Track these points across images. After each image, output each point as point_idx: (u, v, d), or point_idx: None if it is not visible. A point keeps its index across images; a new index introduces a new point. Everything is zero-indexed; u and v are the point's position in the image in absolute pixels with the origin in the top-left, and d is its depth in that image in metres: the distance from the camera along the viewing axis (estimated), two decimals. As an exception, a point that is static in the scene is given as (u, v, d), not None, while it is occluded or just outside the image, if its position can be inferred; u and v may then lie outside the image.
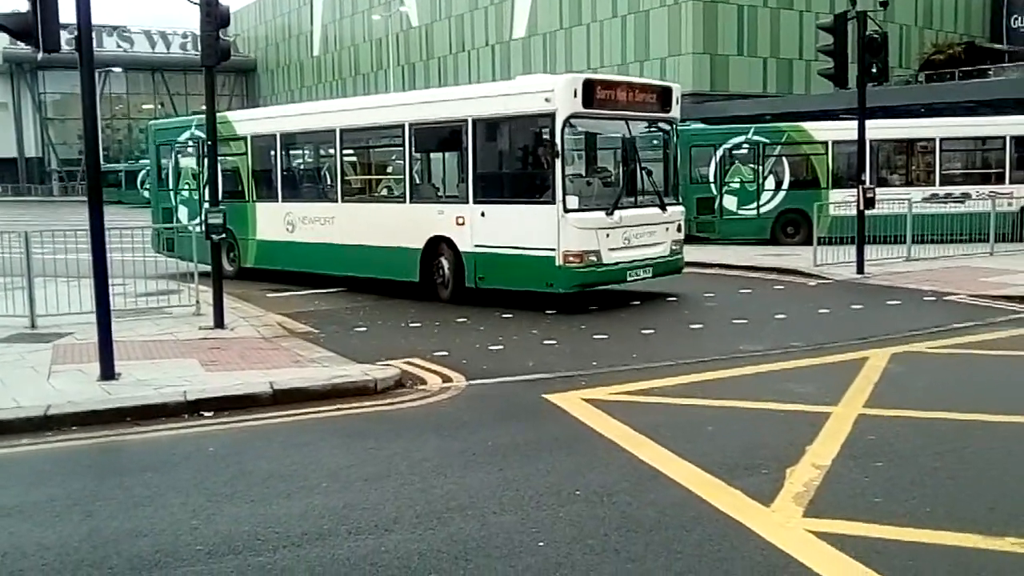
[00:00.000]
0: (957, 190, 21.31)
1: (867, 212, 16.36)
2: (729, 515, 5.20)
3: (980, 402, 7.64)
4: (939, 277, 15.46)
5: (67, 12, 8.26)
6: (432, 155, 15.77)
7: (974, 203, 20.72)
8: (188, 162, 19.42)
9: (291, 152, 17.87)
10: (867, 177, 17.43)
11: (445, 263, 14.08)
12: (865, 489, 5.60)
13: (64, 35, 8.32)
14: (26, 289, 11.85)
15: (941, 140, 21.78)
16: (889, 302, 13.52)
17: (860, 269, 16.24)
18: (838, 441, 6.53)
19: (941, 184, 21.45)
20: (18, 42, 8.75)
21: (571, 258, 12.69)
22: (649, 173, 13.92)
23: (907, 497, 5.47)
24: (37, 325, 11.65)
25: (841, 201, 18.93)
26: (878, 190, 17.19)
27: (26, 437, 7.17)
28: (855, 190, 16.53)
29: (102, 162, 11.03)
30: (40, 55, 8.21)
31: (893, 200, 18.54)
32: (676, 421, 7.36)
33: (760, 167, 22.59)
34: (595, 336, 11.25)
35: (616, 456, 6.39)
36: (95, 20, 8.68)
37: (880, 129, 20.53)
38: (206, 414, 7.79)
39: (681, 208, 14.74)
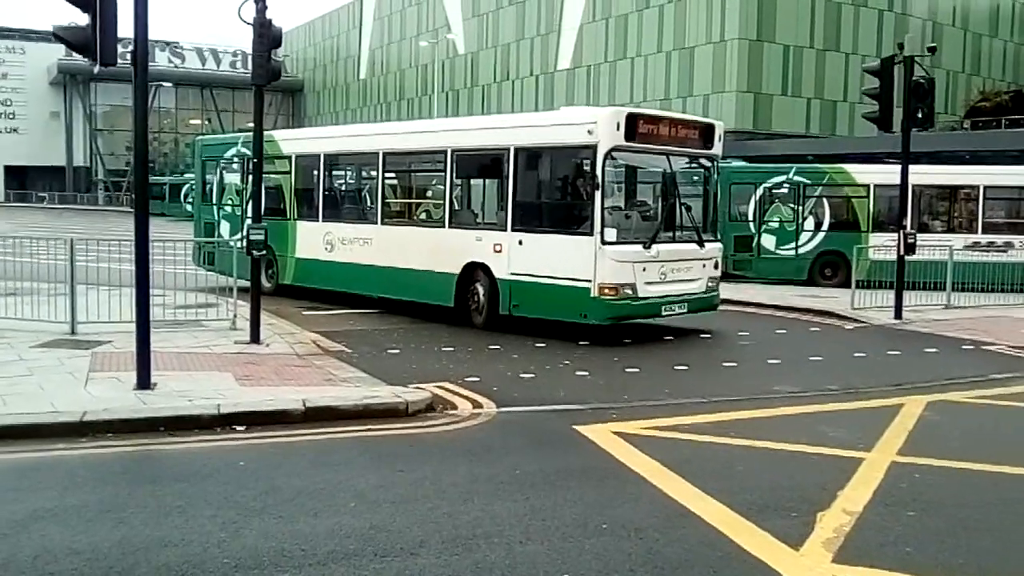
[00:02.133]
0: (1000, 239, 21.04)
1: (907, 257, 16.20)
2: (757, 557, 5.15)
3: (1017, 455, 7.51)
4: (979, 326, 15.24)
5: (123, 26, 8.46)
6: (472, 182, 15.87)
7: (1017, 252, 20.46)
8: (232, 178, 19.68)
9: (333, 173, 18.10)
10: (908, 222, 17.27)
11: (480, 289, 14.13)
12: (897, 538, 5.52)
13: (118, 48, 8.49)
14: (68, 296, 12.04)
15: (985, 188, 21.49)
16: (927, 349, 13.35)
17: (898, 315, 16.05)
18: (870, 487, 6.45)
19: (984, 232, 21.17)
20: (73, 53, 8.92)
21: (606, 290, 12.68)
22: (688, 209, 13.90)
23: (940, 548, 5.39)
24: (77, 332, 11.82)
25: (881, 245, 18.74)
26: (919, 236, 17.02)
27: (62, 442, 7.27)
28: (896, 234, 16.39)
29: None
30: (97, 68, 8.38)
31: (934, 246, 18.34)
32: (706, 459, 7.30)
33: (800, 207, 22.46)
34: (627, 369, 11.22)
35: (644, 491, 6.36)
36: (149, 35, 8.82)
37: (923, 174, 20.29)
38: (238, 428, 7.86)
39: (719, 245, 14.71)
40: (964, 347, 13.56)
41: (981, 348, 13.40)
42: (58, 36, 8.76)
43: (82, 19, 8.39)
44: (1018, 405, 9.75)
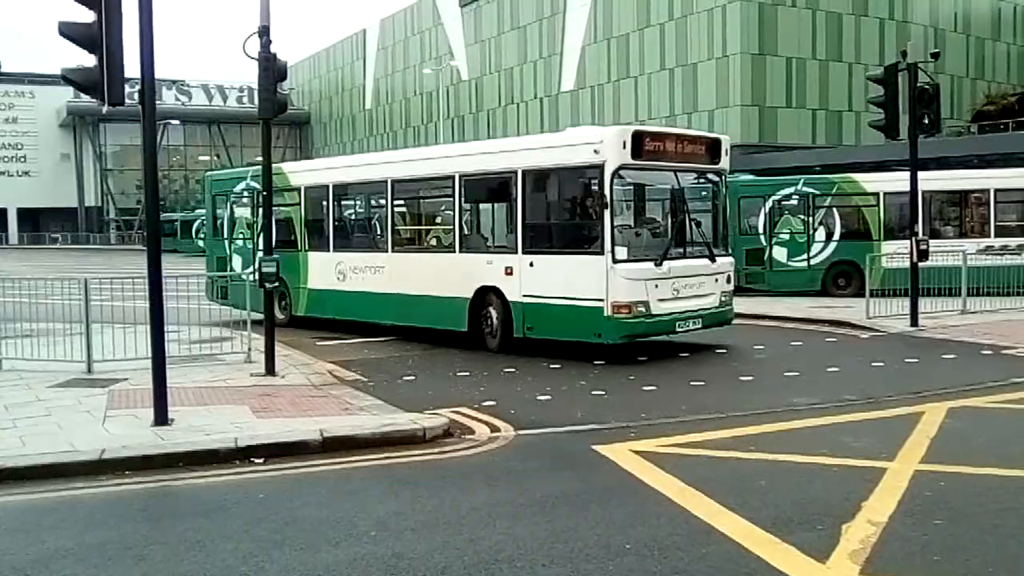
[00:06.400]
0: (1013, 242, 20.94)
1: (920, 264, 16.13)
2: (784, 571, 5.10)
3: (1042, 459, 7.44)
4: (996, 330, 15.13)
5: (130, 66, 8.53)
6: (481, 206, 15.88)
7: None
8: (243, 212, 19.78)
9: (343, 203, 18.15)
10: (920, 229, 17.21)
11: (493, 313, 14.12)
12: (924, 547, 5.46)
13: (126, 88, 8.56)
14: (84, 335, 12.09)
15: (995, 191, 21.44)
16: (945, 356, 13.26)
17: (914, 322, 15.96)
18: (895, 497, 6.39)
19: (996, 235, 21.08)
20: (82, 95, 9.00)
21: (620, 309, 12.65)
22: (698, 224, 13.88)
23: (967, 556, 5.32)
24: (93, 370, 11.86)
25: (894, 253, 18.69)
26: (931, 242, 16.96)
27: (81, 480, 7.28)
28: (907, 242, 16.34)
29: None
30: (105, 108, 8.45)
31: (947, 252, 18.26)
32: (727, 474, 7.24)
33: (810, 218, 22.45)
34: (644, 387, 11.17)
35: (666, 509, 6.31)
36: (155, 74, 8.88)
37: (933, 180, 20.28)
38: (257, 460, 7.85)
39: (730, 259, 14.67)
40: (983, 352, 13.45)
41: (1000, 352, 13.30)
42: (66, 78, 8.84)
43: (89, 60, 8.48)
44: (1040, 408, 9.67)
